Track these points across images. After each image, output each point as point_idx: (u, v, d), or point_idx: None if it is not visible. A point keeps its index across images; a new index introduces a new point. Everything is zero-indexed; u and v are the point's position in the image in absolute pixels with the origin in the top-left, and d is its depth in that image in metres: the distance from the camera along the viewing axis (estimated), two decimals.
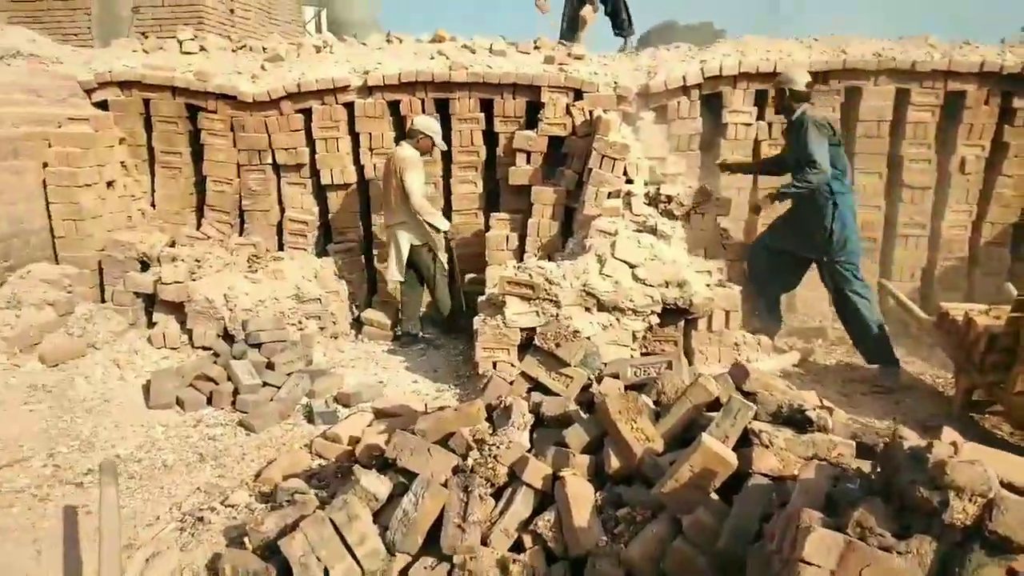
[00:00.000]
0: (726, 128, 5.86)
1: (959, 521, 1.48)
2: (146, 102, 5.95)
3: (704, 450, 2.19)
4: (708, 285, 4.56)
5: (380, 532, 2.51)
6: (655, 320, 4.41)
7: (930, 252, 5.93)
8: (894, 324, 5.67)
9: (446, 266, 5.55)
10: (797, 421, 2.43)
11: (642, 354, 4.41)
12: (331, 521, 2.46)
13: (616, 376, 3.00)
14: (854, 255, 4.78)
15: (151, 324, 5.31)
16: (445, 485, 2.55)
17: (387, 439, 2.94)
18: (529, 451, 2.65)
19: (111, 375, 4.70)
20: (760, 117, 5.83)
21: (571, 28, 7.32)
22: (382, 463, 2.83)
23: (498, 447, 2.61)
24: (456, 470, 2.60)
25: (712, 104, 5.92)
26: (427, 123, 5.41)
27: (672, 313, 4.43)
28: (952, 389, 4.45)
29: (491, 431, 2.73)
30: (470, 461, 2.58)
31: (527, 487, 2.54)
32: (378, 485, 2.60)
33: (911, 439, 1.74)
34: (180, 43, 6.37)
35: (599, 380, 3.00)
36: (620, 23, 7.35)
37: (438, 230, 5.40)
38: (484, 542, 2.44)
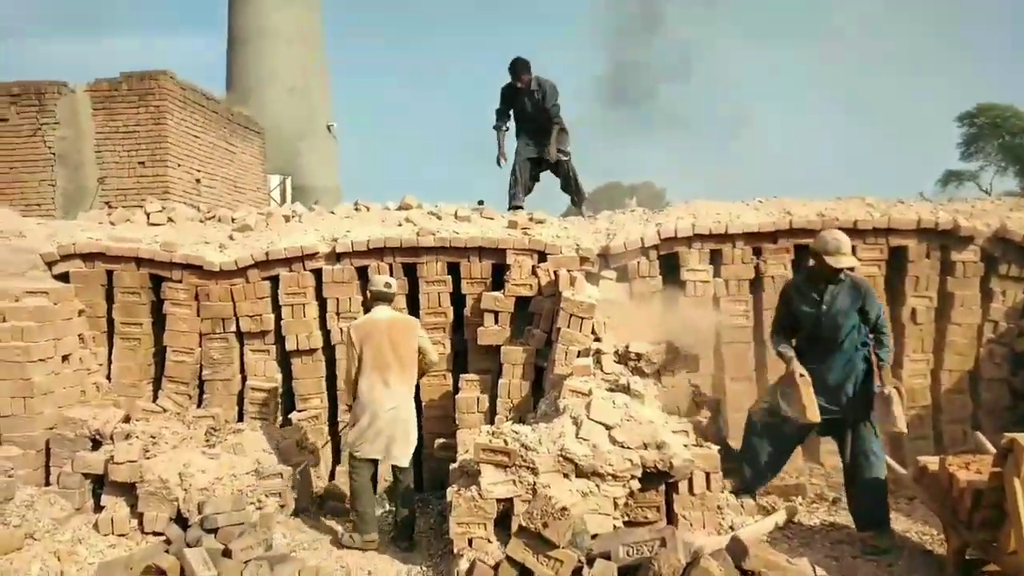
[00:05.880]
0: (685, 286, 6.04)
1: None
2: (109, 273, 5.90)
3: None
4: (686, 445, 4.49)
5: None
6: (636, 485, 4.27)
7: None
8: None
9: None
10: None
11: (625, 523, 4.22)
12: None
13: (607, 556, 2.84)
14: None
15: (98, 508, 4.93)
16: None
17: None
18: None
19: (50, 569, 4.28)
20: (716, 275, 6.05)
21: (516, 195, 7.64)
22: None
23: None
24: None
25: (670, 262, 6.14)
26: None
27: (653, 477, 4.31)
28: (941, 546, 4.34)
29: None
30: None
31: None
32: None
33: None
34: (148, 215, 6.44)
35: (590, 562, 2.83)
36: (572, 196, 7.81)
37: None
38: None
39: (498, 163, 7.46)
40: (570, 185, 7.68)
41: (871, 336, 4.64)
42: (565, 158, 7.54)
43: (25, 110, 10.62)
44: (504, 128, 7.46)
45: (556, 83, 7.32)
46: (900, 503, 5.10)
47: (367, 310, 5.04)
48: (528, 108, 7.35)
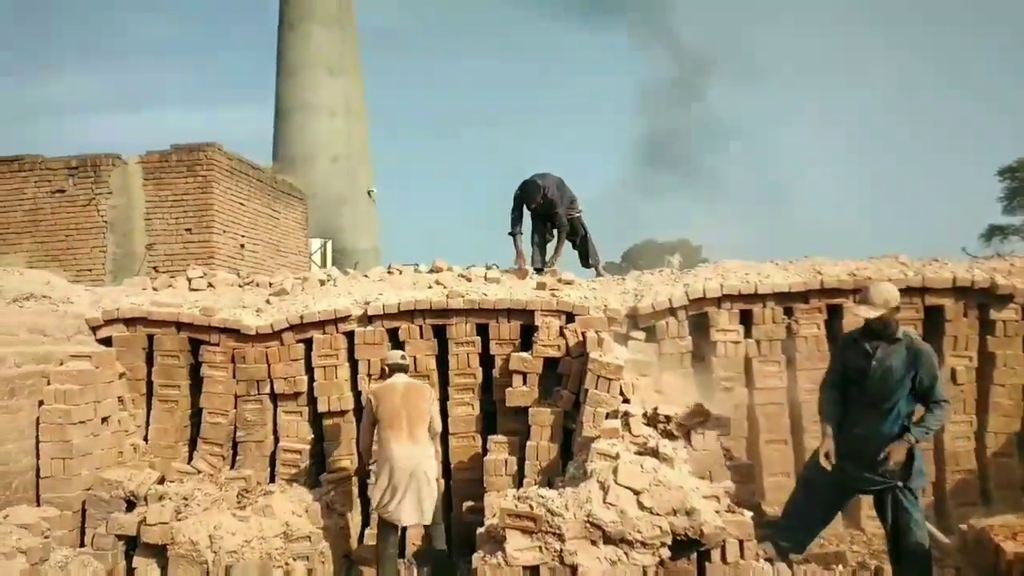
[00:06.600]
0: (715, 346, 5.99)
1: None
2: (150, 337, 6.10)
3: None
4: (717, 511, 4.37)
5: None
6: (666, 553, 4.17)
7: (937, 465, 5.79)
8: None
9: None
10: None
11: None
12: None
13: None
14: (922, 481, 4.53)
15: (131, 571, 4.98)
16: None
17: None
18: None
19: None
20: (747, 335, 5.99)
21: (542, 257, 7.73)
22: None
23: None
24: None
25: (700, 323, 6.10)
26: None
27: (683, 545, 4.20)
28: None
29: None
30: None
31: None
32: None
33: None
34: (189, 280, 6.68)
35: None
36: (586, 260, 7.95)
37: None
38: None
39: (516, 265, 7.34)
40: (585, 245, 7.84)
41: (922, 406, 4.43)
42: (577, 214, 7.72)
43: (82, 181, 11.19)
44: (519, 233, 7.51)
45: (562, 182, 7.47)
46: (945, 574, 4.86)
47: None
48: (539, 210, 7.52)
